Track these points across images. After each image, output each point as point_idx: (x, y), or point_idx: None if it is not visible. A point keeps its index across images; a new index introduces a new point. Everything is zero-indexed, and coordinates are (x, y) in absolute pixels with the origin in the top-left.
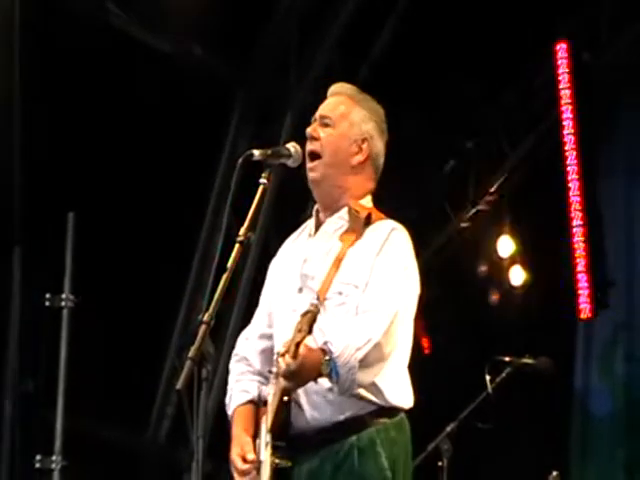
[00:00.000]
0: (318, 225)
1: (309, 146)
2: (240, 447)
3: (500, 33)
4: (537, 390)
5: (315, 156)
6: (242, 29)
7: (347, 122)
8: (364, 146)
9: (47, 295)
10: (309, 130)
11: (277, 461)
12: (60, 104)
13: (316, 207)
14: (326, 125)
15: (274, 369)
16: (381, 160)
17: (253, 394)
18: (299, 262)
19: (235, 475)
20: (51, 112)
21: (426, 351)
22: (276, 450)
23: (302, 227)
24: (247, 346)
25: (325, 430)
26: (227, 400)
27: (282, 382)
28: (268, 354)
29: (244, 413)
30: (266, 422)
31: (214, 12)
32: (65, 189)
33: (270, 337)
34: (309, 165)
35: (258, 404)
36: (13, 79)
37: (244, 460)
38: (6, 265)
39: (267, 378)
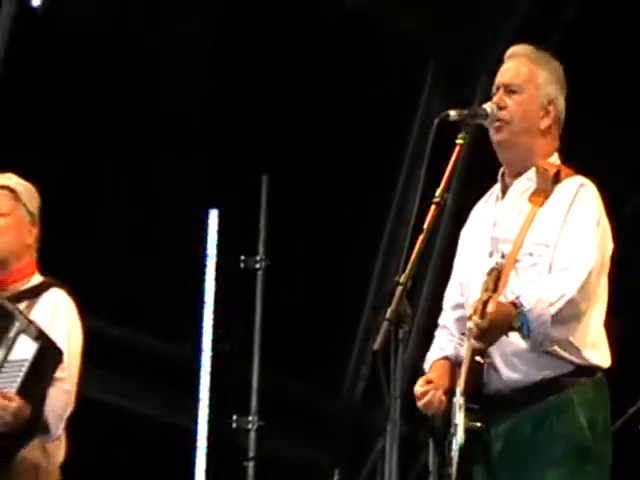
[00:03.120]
0: (505, 188)
1: (497, 114)
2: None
3: None
4: None
5: (504, 123)
6: None
7: (532, 86)
8: (550, 108)
9: (242, 257)
10: (495, 100)
11: (471, 423)
12: (254, 66)
13: (502, 170)
14: (512, 92)
15: (468, 324)
16: (563, 116)
17: (449, 352)
18: (489, 226)
19: (417, 400)
20: (246, 74)
21: None
22: (470, 412)
23: (489, 193)
24: (445, 316)
25: (521, 390)
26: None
27: (473, 342)
28: (463, 322)
29: (438, 366)
30: (459, 384)
31: None
32: (259, 151)
33: (463, 306)
34: (496, 125)
35: (454, 364)
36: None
37: (421, 385)
38: (202, 227)
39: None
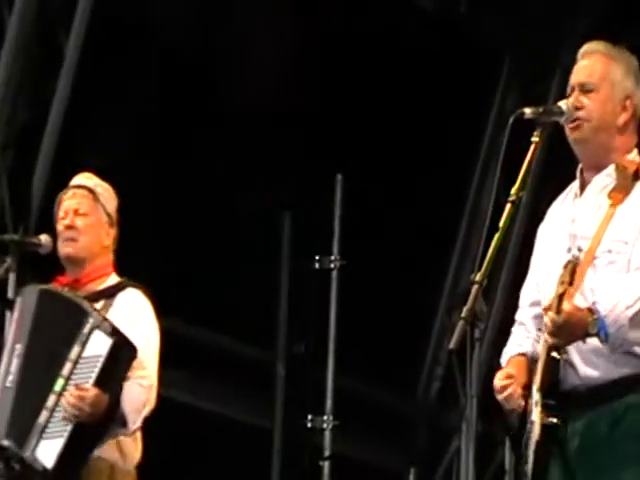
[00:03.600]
0: (583, 185)
1: (575, 114)
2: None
3: None
4: None
5: (581, 121)
6: None
7: (608, 83)
8: (627, 104)
9: (316, 257)
10: (571, 101)
11: (547, 419)
12: (329, 65)
13: (580, 167)
14: (588, 91)
15: (544, 320)
16: None
17: (526, 348)
18: (567, 223)
19: (496, 394)
20: (321, 73)
21: None
22: (546, 408)
23: (567, 190)
24: (522, 313)
25: (599, 388)
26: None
27: (548, 338)
28: (540, 319)
29: (515, 362)
30: (535, 381)
31: None
32: (333, 151)
33: (540, 304)
34: (573, 124)
35: (531, 360)
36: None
37: (501, 379)
38: (276, 228)
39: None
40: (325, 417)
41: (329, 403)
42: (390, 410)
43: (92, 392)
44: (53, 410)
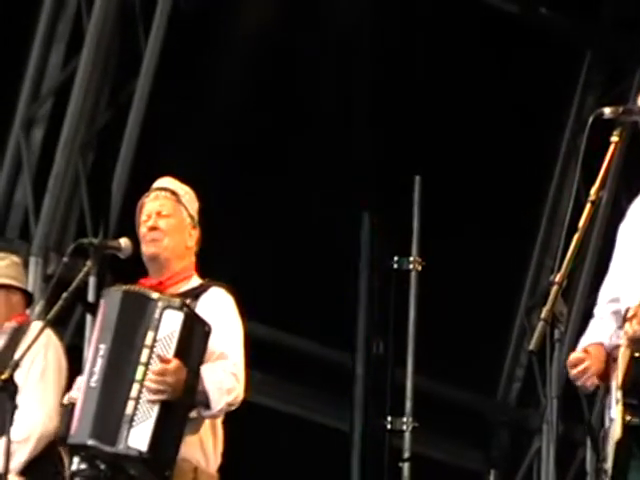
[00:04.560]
0: None
1: None
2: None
3: None
4: None
5: None
6: None
7: None
8: None
9: (395, 258)
10: None
11: (629, 418)
12: (408, 66)
13: None
14: None
15: (626, 327)
16: None
17: (605, 340)
18: None
19: (570, 369)
20: (401, 74)
21: None
22: (628, 407)
23: None
24: (600, 308)
25: None
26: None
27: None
28: (619, 315)
29: (593, 348)
30: (616, 379)
31: None
32: (412, 152)
33: (619, 300)
34: None
35: (608, 354)
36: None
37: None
38: (355, 230)
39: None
40: (405, 418)
41: (409, 404)
42: (470, 411)
43: (174, 363)
44: (138, 398)
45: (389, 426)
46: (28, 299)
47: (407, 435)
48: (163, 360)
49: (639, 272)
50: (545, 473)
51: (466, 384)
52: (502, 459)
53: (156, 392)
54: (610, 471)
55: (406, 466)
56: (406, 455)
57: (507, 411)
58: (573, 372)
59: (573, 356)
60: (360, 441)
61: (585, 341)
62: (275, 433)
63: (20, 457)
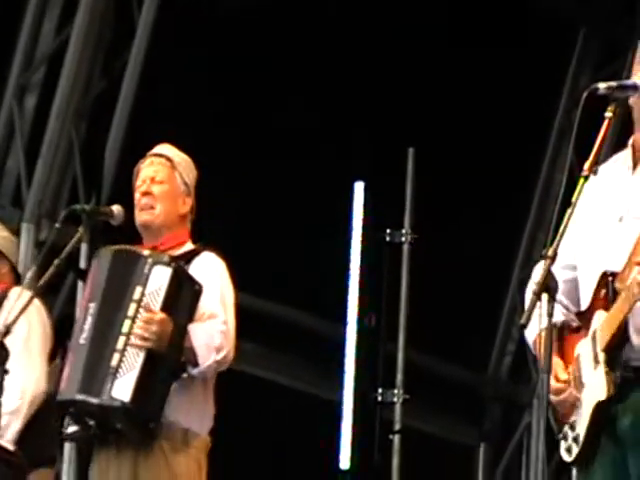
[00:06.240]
0: (636, 162)
1: None
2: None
3: None
4: None
5: None
6: None
7: None
8: None
9: (387, 231)
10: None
11: (618, 373)
12: (403, 39)
13: (632, 140)
14: None
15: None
16: None
17: (557, 319)
18: (619, 193)
19: (552, 395)
20: (395, 47)
21: None
22: (611, 367)
23: (614, 158)
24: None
25: None
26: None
27: (635, 291)
28: (570, 285)
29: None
30: (598, 341)
31: None
32: (405, 124)
33: (574, 268)
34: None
35: (561, 331)
36: None
37: (557, 379)
38: (347, 200)
39: (567, 308)
40: (395, 391)
41: (400, 377)
42: (461, 385)
43: (159, 315)
44: (124, 350)
45: (380, 398)
46: (17, 278)
47: (398, 407)
48: (149, 310)
49: (601, 244)
50: (535, 448)
51: (457, 358)
52: (493, 433)
53: (140, 338)
54: (583, 436)
55: (396, 438)
56: (397, 427)
57: (498, 385)
58: (554, 400)
59: (554, 385)
60: (351, 413)
61: (535, 325)
62: (266, 403)
63: (14, 427)
